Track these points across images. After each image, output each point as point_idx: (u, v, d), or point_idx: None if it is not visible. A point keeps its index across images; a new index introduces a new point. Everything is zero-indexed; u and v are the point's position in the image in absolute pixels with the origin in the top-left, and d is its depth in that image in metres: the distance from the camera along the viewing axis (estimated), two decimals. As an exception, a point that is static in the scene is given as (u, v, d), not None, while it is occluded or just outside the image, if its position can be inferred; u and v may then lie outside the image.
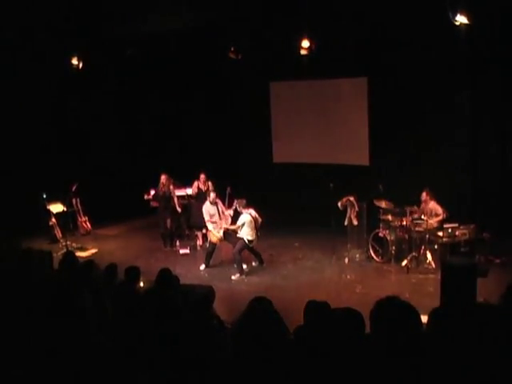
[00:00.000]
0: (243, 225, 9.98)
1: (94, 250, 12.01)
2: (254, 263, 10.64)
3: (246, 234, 10.01)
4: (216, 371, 3.00)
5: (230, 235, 10.38)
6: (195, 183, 11.99)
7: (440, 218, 9.88)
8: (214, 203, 10.51)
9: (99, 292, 4.91)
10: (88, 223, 13.62)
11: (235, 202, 10.35)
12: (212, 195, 10.48)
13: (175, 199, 11.99)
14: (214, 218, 10.51)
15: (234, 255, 10.10)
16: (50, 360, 3.04)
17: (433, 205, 10.02)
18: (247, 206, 10.15)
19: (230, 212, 10.52)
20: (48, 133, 13.41)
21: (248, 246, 10.19)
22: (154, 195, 12.08)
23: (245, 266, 10.38)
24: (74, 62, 12.67)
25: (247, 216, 10.00)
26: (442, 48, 10.91)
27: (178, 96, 15.07)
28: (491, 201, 10.87)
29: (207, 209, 10.53)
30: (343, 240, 10.91)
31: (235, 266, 10.10)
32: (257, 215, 10.17)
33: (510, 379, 2.68)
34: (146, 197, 12.34)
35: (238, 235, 10.14)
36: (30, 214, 12.18)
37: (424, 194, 10.07)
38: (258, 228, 10.20)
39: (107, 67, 13.85)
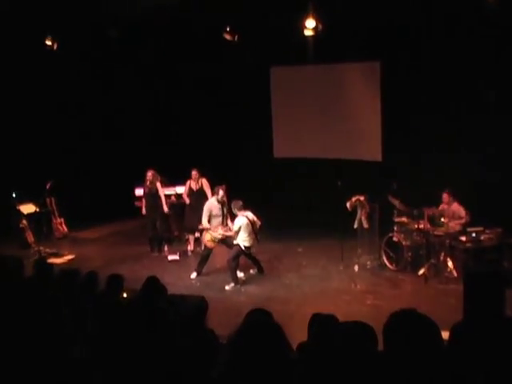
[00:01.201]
0: (239, 229, 9.96)
1: (70, 256, 11.99)
2: (252, 271, 10.64)
3: (242, 239, 10.01)
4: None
5: (227, 239, 10.36)
6: (187, 182, 11.96)
7: (463, 221, 9.89)
8: (221, 202, 10.44)
9: (78, 303, 4.91)
10: (64, 225, 13.61)
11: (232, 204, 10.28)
12: (221, 192, 10.38)
13: (162, 198, 11.98)
14: (216, 220, 10.45)
15: (228, 262, 10.10)
16: (22, 378, 3.04)
17: (456, 206, 10.02)
18: (244, 207, 10.13)
19: (231, 226, 10.35)
20: (19, 125, 13.39)
21: (244, 253, 10.19)
22: (144, 195, 12.02)
23: (242, 274, 10.38)
24: (48, 42, 12.64)
25: (243, 219, 9.98)
26: (466, 28, 10.88)
27: (167, 82, 15.06)
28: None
29: (210, 207, 10.42)
30: (352, 245, 10.91)
31: (229, 274, 10.11)
32: (255, 218, 10.15)
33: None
34: (136, 203, 12.28)
35: (234, 241, 10.14)
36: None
37: (445, 196, 10.06)
38: (257, 232, 10.19)
39: (87, 50, 13.83)
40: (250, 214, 10.12)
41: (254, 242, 10.18)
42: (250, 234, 10.02)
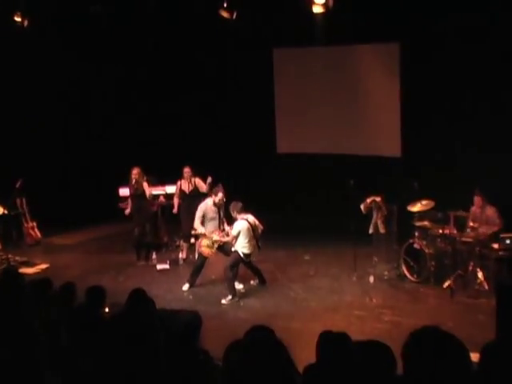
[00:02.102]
0: (239, 234, 9.97)
1: (44, 266, 12.00)
2: (252, 282, 10.64)
3: (241, 245, 10.01)
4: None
5: (224, 245, 10.36)
6: (178, 183, 11.95)
7: (495, 229, 9.87)
8: (218, 205, 10.43)
9: (52, 319, 4.91)
10: (37, 230, 13.61)
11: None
12: (220, 195, 10.35)
13: (149, 199, 11.97)
14: (212, 224, 10.44)
15: (225, 272, 10.11)
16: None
17: (490, 211, 9.99)
18: (244, 210, 10.13)
19: (228, 230, 10.37)
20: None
21: (244, 261, 10.20)
22: (130, 195, 12.01)
23: (241, 286, 10.39)
24: (17, 19, 12.59)
25: (243, 223, 9.99)
26: (496, 4, 10.87)
27: (155, 67, 15.03)
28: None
29: (205, 209, 10.39)
30: (367, 252, 10.91)
31: (226, 285, 10.12)
32: (256, 222, 10.16)
33: None
34: (121, 205, 12.33)
35: (232, 248, 10.14)
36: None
37: (477, 199, 10.02)
38: (258, 238, 10.20)
39: (65, 30, 13.79)
40: (251, 218, 10.13)
41: (255, 249, 10.19)
42: (250, 240, 10.02)
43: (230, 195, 10.79)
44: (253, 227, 10.06)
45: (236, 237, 10.01)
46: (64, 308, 5.86)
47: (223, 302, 9.94)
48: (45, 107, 14.31)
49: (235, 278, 10.19)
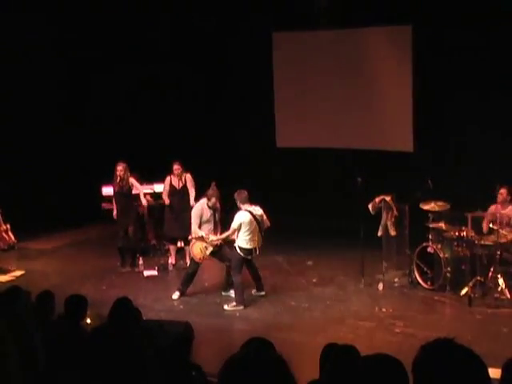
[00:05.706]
0: (240, 227, 9.90)
1: (19, 273, 11.99)
2: (254, 291, 10.54)
3: (240, 239, 9.92)
4: None
5: (220, 249, 10.32)
6: (167, 178, 11.95)
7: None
8: (212, 208, 10.42)
9: (27, 332, 4.90)
10: (10, 233, 13.57)
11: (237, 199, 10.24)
12: (213, 200, 10.29)
13: (141, 196, 11.93)
14: (206, 227, 10.43)
15: (233, 276, 10.04)
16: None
17: (509, 210, 9.99)
18: (248, 200, 10.04)
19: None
20: None
21: (245, 259, 10.11)
22: (114, 194, 11.97)
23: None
24: None
25: (245, 214, 9.87)
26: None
27: (142, 50, 15.00)
28: None
29: (201, 210, 10.35)
30: (376, 257, 10.91)
31: (231, 293, 10.14)
32: (264, 216, 10.05)
33: None
34: (104, 206, 12.26)
35: (234, 244, 10.09)
36: None
37: (503, 192, 9.97)
38: (263, 234, 10.11)
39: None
40: (259, 210, 10.02)
41: (258, 244, 10.09)
42: (252, 234, 9.88)
43: (226, 194, 10.79)
44: (257, 221, 9.98)
45: (237, 229, 9.95)
46: (40, 319, 5.85)
47: (226, 307, 9.94)
48: (18, 102, 14.22)
49: (243, 283, 10.13)
